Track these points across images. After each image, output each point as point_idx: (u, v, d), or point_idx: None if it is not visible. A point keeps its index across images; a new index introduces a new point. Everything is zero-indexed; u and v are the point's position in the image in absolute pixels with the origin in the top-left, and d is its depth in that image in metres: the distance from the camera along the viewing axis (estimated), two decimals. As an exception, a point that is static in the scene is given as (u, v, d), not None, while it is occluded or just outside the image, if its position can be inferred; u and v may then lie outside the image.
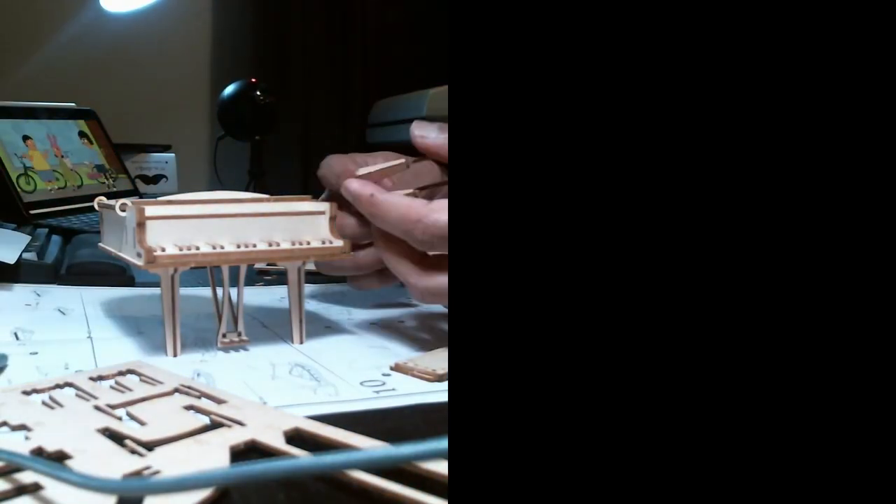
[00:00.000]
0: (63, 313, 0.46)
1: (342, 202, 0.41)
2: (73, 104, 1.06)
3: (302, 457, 0.24)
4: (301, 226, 0.39)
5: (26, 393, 0.29)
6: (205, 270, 0.38)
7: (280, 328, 0.43)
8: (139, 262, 0.35)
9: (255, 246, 0.37)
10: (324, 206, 0.40)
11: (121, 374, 0.32)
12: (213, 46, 1.60)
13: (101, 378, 0.32)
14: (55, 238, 0.70)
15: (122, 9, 1.32)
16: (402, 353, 0.39)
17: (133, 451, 0.24)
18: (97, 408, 0.28)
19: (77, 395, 0.30)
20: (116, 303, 0.49)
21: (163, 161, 1.24)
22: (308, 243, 0.39)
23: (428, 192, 0.42)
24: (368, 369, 0.36)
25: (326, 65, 1.56)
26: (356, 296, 0.54)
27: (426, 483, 0.22)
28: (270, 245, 0.38)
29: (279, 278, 0.59)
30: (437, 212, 0.36)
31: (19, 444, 0.24)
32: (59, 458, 0.24)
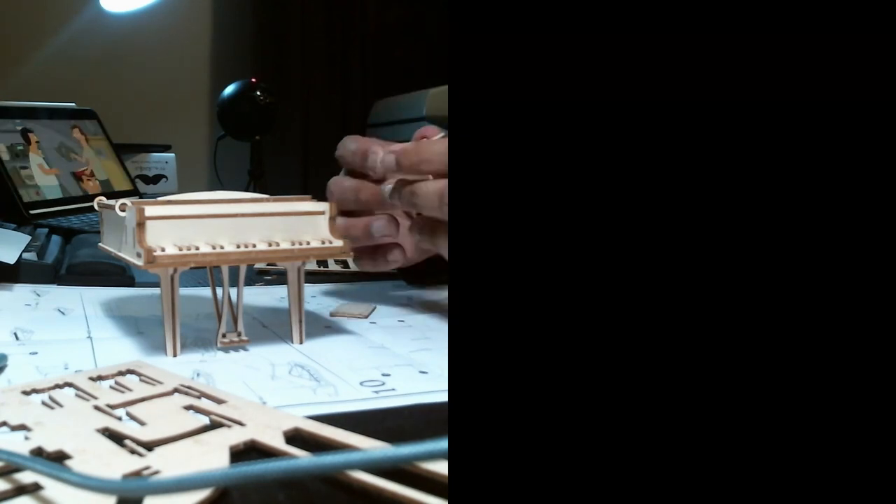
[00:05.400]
0: (63, 313, 0.46)
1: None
2: (73, 104, 1.06)
3: (302, 457, 0.24)
4: (301, 226, 0.39)
5: (26, 393, 0.29)
6: (205, 270, 0.38)
7: (280, 328, 0.43)
8: (139, 262, 0.35)
9: (254, 246, 0.37)
10: (323, 206, 0.40)
11: (120, 374, 0.32)
12: (213, 46, 1.60)
13: (100, 378, 0.32)
14: (55, 238, 0.70)
15: (122, 9, 1.32)
16: (402, 353, 0.39)
17: (133, 451, 0.24)
18: (97, 408, 0.28)
19: (77, 395, 0.30)
20: (116, 303, 0.49)
21: (163, 161, 1.24)
22: (308, 243, 0.39)
23: None
24: (368, 369, 0.36)
25: (326, 65, 1.56)
26: (356, 296, 0.54)
27: (426, 483, 0.22)
28: (270, 245, 0.38)
29: (279, 278, 0.59)
30: None
31: (19, 444, 0.24)
32: (59, 458, 0.24)
